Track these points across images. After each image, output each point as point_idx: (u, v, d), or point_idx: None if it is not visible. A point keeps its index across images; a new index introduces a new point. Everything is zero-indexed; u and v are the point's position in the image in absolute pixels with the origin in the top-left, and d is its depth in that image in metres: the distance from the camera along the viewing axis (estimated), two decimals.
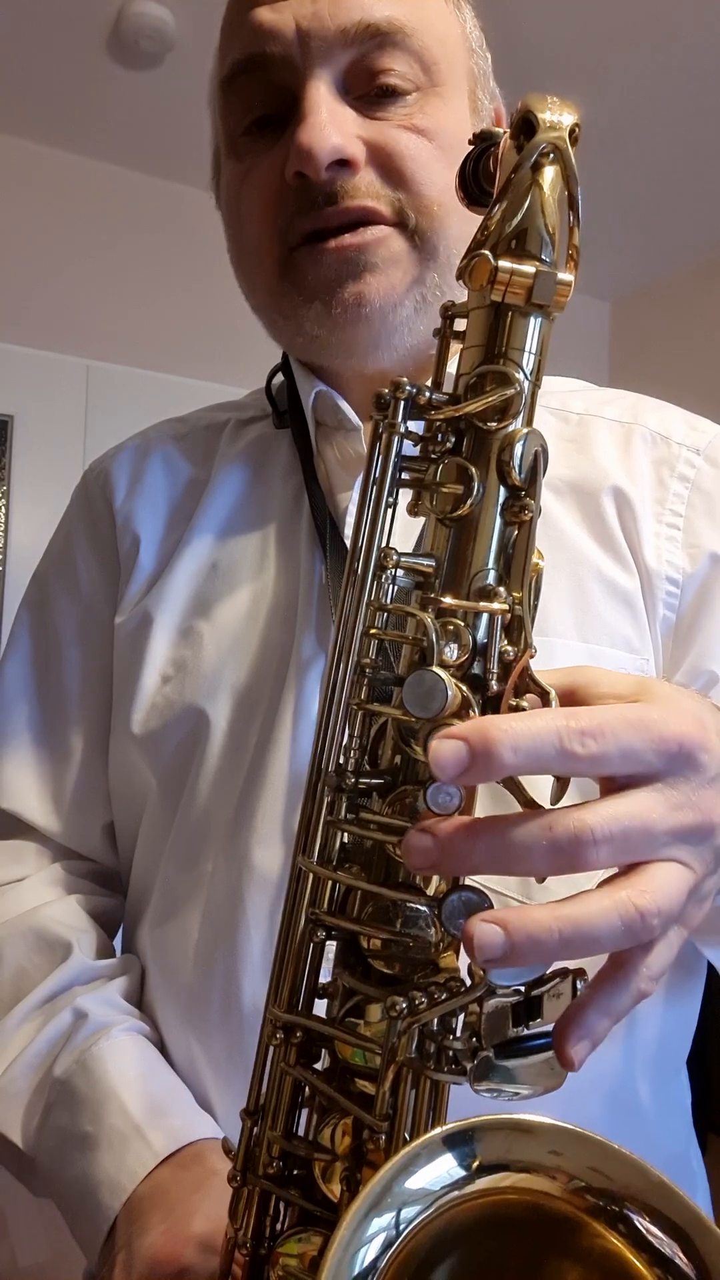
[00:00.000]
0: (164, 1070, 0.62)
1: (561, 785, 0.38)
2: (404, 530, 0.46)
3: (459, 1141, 0.31)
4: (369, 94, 0.61)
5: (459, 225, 0.62)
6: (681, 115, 2.55)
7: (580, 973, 0.37)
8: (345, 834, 0.40)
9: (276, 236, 0.63)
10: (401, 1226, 0.30)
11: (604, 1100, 0.59)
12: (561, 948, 0.32)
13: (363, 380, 0.67)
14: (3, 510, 2.57)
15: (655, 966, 0.36)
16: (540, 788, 0.38)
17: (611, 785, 0.37)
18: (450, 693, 0.34)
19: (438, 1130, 0.31)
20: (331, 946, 0.42)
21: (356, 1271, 0.29)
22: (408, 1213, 0.30)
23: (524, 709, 0.38)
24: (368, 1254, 0.29)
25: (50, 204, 2.72)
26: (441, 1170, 0.31)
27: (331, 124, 0.58)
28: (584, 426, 0.69)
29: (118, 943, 0.74)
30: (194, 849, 0.64)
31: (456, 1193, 0.31)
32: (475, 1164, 0.31)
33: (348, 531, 0.65)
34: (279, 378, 0.75)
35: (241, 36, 0.62)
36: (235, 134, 0.65)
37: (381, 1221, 0.30)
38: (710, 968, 0.66)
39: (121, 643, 0.71)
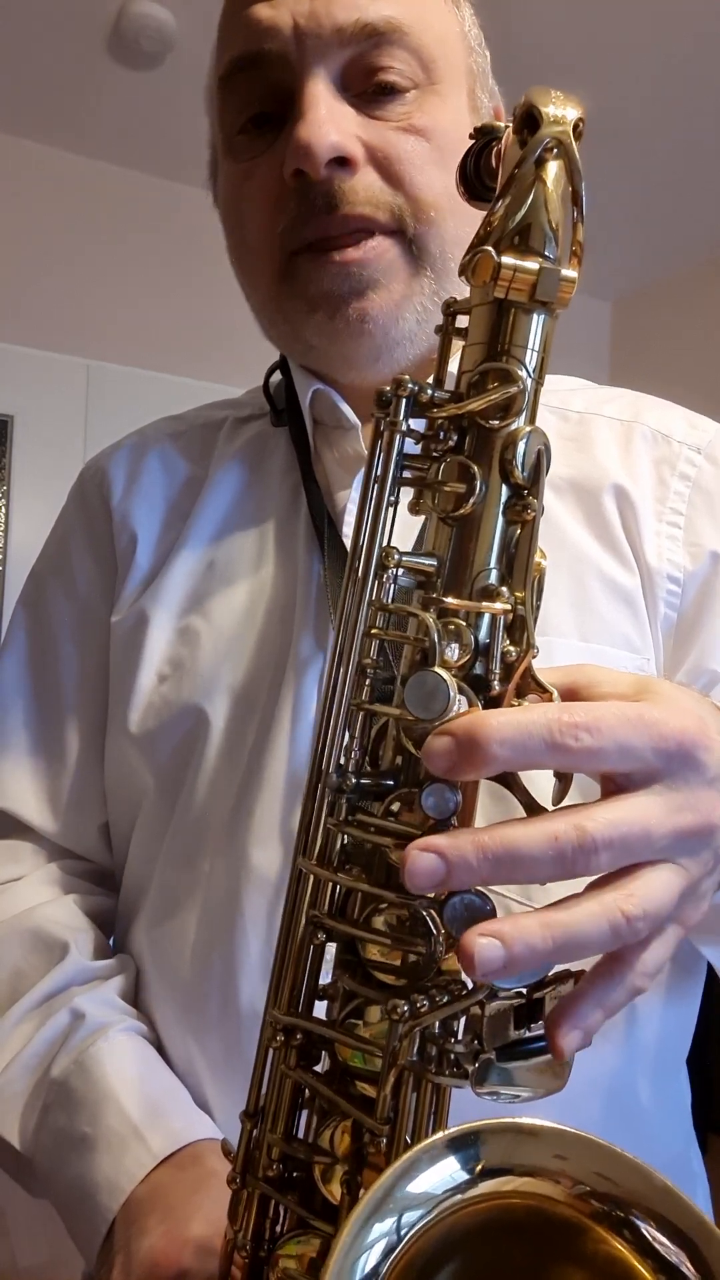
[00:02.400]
0: (162, 1070, 0.61)
1: (564, 785, 0.38)
2: (403, 529, 0.46)
3: (462, 1145, 0.31)
4: (367, 91, 0.60)
5: (456, 227, 0.61)
6: (681, 115, 2.55)
7: (581, 974, 0.37)
8: (346, 835, 0.40)
9: (277, 240, 0.62)
10: (403, 1231, 0.30)
11: (603, 1100, 0.59)
12: (555, 953, 0.33)
13: (361, 383, 0.67)
14: (3, 510, 2.57)
15: (650, 963, 0.36)
16: (544, 789, 0.38)
17: (611, 784, 0.37)
18: (452, 693, 0.34)
19: (440, 1134, 0.31)
20: (332, 948, 0.41)
21: (358, 1277, 0.29)
22: (410, 1217, 0.30)
23: None
24: (369, 1260, 0.29)
25: (50, 203, 2.72)
26: (444, 1174, 0.30)
27: (330, 121, 0.58)
28: (584, 425, 0.69)
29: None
30: (191, 849, 0.64)
31: (459, 1197, 0.31)
32: (478, 1168, 0.31)
33: (346, 530, 0.65)
34: (276, 376, 0.75)
35: (239, 34, 0.61)
36: (232, 133, 0.64)
37: (383, 1226, 0.29)
38: (711, 966, 0.66)
39: (118, 641, 0.71)
